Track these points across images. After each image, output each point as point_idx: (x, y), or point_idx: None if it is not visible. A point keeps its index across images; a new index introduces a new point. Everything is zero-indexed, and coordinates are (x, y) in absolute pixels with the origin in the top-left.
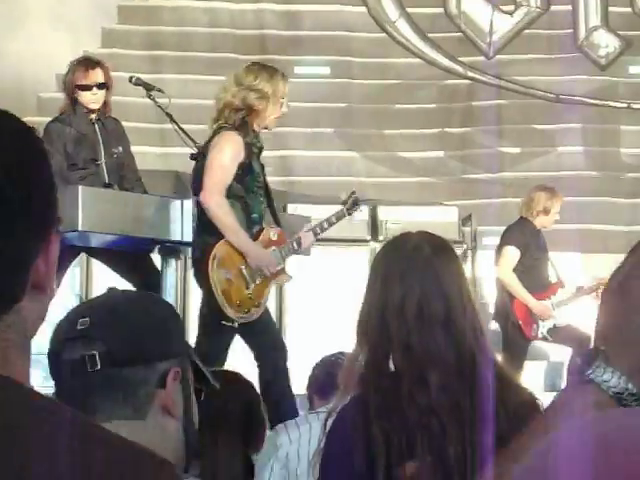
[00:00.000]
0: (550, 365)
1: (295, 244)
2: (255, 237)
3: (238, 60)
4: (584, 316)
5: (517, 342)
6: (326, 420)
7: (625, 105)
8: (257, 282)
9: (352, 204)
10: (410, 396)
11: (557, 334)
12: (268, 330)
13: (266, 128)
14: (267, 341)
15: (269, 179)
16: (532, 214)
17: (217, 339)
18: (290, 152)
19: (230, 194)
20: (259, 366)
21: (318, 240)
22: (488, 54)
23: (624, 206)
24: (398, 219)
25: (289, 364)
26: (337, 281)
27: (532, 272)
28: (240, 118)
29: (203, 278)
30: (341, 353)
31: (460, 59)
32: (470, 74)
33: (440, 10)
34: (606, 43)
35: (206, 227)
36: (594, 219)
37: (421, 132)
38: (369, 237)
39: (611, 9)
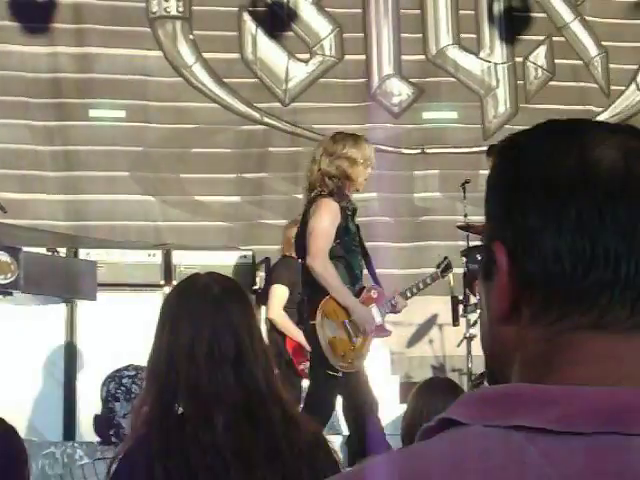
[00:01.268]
0: None
1: (391, 305)
2: (357, 295)
3: (29, 103)
4: None
5: (290, 380)
6: (110, 464)
7: (419, 151)
8: (359, 336)
9: (445, 267)
10: (194, 436)
11: None
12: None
13: (357, 191)
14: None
15: (61, 224)
16: (292, 251)
17: (324, 389)
18: (85, 196)
19: (332, 255)
20: (350, 417)
21: (109, 285)
22: (284, 101)
23: (414, 250)
24: (193, 263)
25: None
26: (129, 326)
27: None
28: (335, 185)
29: (311, 332)
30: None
31: (256, 105)
32: (266, 120)
33: (237, 56)
34: (399, 91)
35: (313, 287)
36: (388, 264)
37: (217, 177)
38: (163, 282)
39: (404, 57)
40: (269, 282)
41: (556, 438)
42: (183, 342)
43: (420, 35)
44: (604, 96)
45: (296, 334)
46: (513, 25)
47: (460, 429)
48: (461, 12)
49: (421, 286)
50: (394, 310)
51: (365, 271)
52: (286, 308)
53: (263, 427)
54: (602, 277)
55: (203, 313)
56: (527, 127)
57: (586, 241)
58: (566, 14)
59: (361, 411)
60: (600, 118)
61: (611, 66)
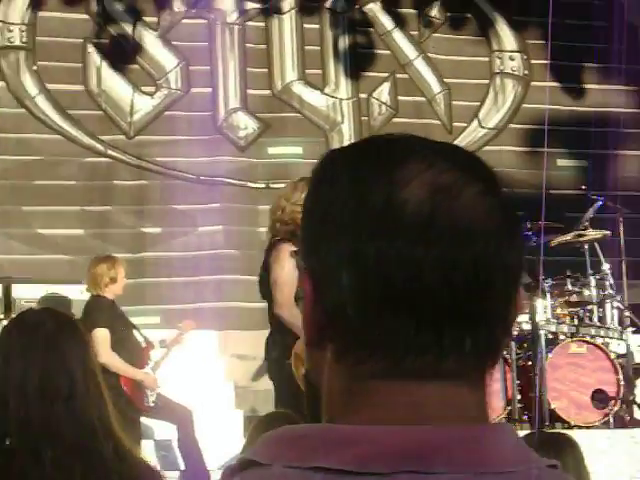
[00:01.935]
0: (157, 444)
1: None
2: None
3: None
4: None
5: (130, 417)
6: None
7: (264, 185)
8: None
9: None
10: (22, 472)
11: (159, 411)
12: None
13: None
14: None
15: None
16: (101, 288)
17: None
18: None
19: (296, 297)
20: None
21: None
22: (128, 133)
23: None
24: (34, 297)
25: None
26: None
27: (125, 345)
28: (290, 231)
29: (282, 374)
30: None
31: (101, 137)
32: (110, 153)
33: (81, 87)
34: (245, 125)
35: (283, 330)
36: (233, 297)
37: (61, 209)
38: (2, 315)
39: (250, 92)
40: (87, 328)
41: (355, 479)
42: (14, 376)
43: (266, 70)
44: (447, 132)
45: (129, 371)
46: (358, 61)
47: (260, 470)
48: (307, 48)
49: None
50: None
51: None
52: (121, 346)
53: (94, 462)
54: (393, 325)
55: (35, 348)
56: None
57: (379, 286)
58: (410, 51)
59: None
60: None
61: (453, 103)
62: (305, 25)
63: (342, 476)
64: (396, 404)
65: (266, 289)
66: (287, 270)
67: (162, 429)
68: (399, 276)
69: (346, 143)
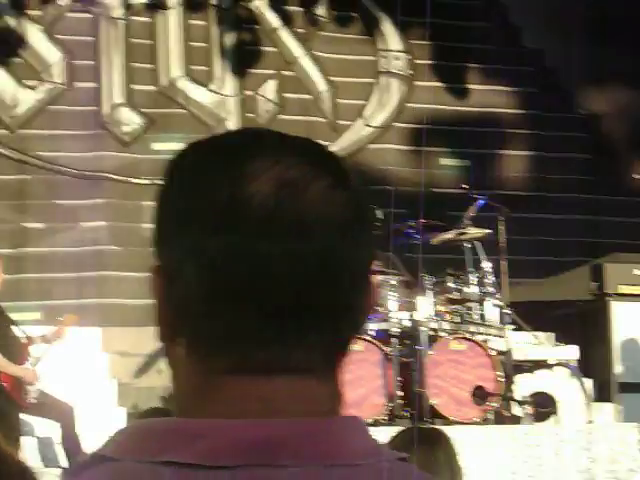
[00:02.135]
0: (39, 441)
1: None
2: None
3: None
4: None
5: (10, 413)
6: None
7: (148, 181)
8: None
9: None
10: None
11: (40, 408)
12: None
13: None
14: None
15: None
16: None
17: None
18: None
19: None
20: None
21: None
22: (11, 128)
23: (144, 280)
24: None
25: None
26: None
27: (3, 341)
28: None
29: None
30: None
31: None
32: None
33: None
34: (129, 120)
35: None
36: (115, 293)
37: None
38: None
39: (135, 87)
40: None
41: (204, 472)
42: None
43: (151, 65)
44: (332, 130)
45: (10, 369)
46: (244, 58)
47: (111, 464)
48: (192, 44)
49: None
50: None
51: None
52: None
53: None
54: (238, 319)
55: None
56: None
57: (222, 281)
58: (296, 49)
59: None
60: None
61: (339, 101)
62: (191, 21)
63: (192, 470)
64: (245, 398)
65: None
66: None
67: (43, 426)
68: (242, 270)
69: None
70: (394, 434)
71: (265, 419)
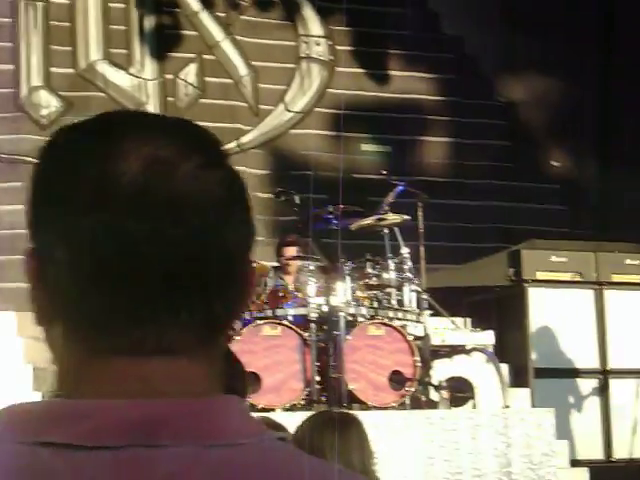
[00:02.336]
0: None
1: None
2: None
3: None
4: None
5: None
6: None
7: None
8: None
9: None
10: None
11: None
12: None
13: None
14: None
15: None
16: None
17: None
18: None
19: None
20: None
21: None
22: None
23: None
24: None
25: None
26: None
27: None
28: None
29: None
30: None
31: None
32: None
33: None
34: (48, 103)
35: None
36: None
37: None
38: None
39: (53, 70)
40: None
41: (85, 453)
42: None
43: (70, 48)
44: (253, 115)
45: None
46: (164, 42)
47: None
48: (111, 27)
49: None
50: None
51: None
52: None
53: None
54: (111, 300)
55: None
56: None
57: (92, 261)
58: (217, 33)
59: None
60: (249, 136)
61: (260, 86)
62: (110, 4)
63: (72, 450)
64: (124, 379)
65: None
66: None
67: None
68: (112, 250)
69: None
70: (306, 417)
71: (146, 399)
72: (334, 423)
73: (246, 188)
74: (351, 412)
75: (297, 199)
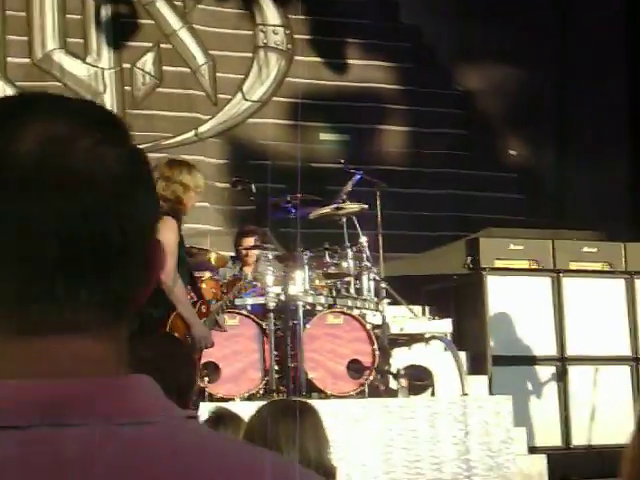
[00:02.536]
0: None
1: (215, 323)
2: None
3: None
4: None
5: None
6: None
7: None
8: (195, 350)
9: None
10: None
11: None
12: None
13: (184, 215)
14: None
15: None
16: None
17: None
18: None
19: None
20: None
21: None
22: None
23: None
24: None
25: None
26: None
27: None
28: (169, 207)
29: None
30: None
31: None
32: None
33: None
34: (3, 93)
35: (153, 301)
36: None
37: None
38: None
39: (9, 60)
40: None
41: None
42: None
43: (26, 38)
44: (211, 104)
45: None
46: (120, 31)
47: None
48: (68, 16)
49: (229, 302)
50: (218, 327)
51: None
52: None
53: None
54: (6, 278)
55: None
56: (135, 132)
57: None
58: (174, 22)
59: None
60: (207, 126)
61: (218, 75)
62: None
63: None
64: (26, 359)
65: None
66: (172, 241)
67: None
68: (6, 229)
69: None
70: (261, 405)
71: (52, 379)
72: (288, 412)
73: (150, 167)
74: (306, 400)
75: (253, 188)
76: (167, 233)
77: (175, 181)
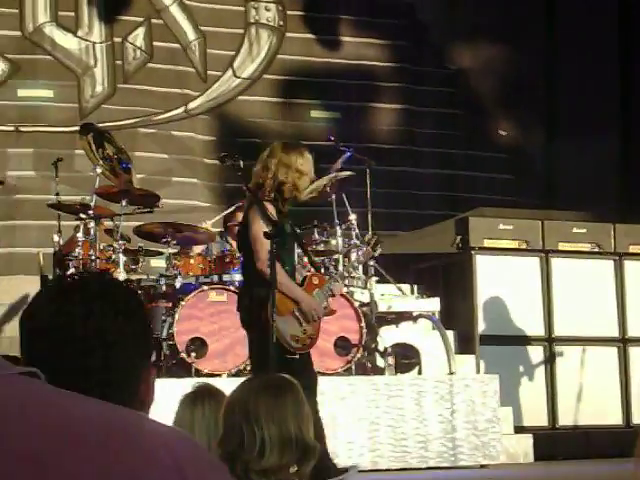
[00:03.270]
0: None
1: (329, 291)
2: (301, 284)
3: None
4: None
5: None
6: None
7: (13, 128)
8: (309, 323)
9: (375, 244)
10: None
11: None
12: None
13: (297, 198)
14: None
15: None
16: None
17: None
18: None
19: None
20: None
21: None
22: None
23: (8, 229)
24: None
25: None
26: None
27: None
28: (287, 191)
29: (252, 321)
30: None
31: None
32: None
33: None
34: None
35: (255, 280)
36: None
37: None
38: None
39: (0, 32)
40: None
41: None
42: None
43: (17, 10)
44: (201, 81)
45: None
46: (112, 5)
47: None
48: None
49: (352, 268)
50: (333, 295)
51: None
52: None
53: None
54: None
55: None
56: (125, 107)
57: None
58: None
59: None
60: (197, 102)
61: (209, 51)
62: None
63: None
64: None
65: (243, 242)
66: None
67: None
68: None
69: (99, 87)
70: (243, 381)
71: None
72: (270, 388)
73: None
74: (287, 376)
75: (242, 164)
76: (257, 223)
77: (294, 168)
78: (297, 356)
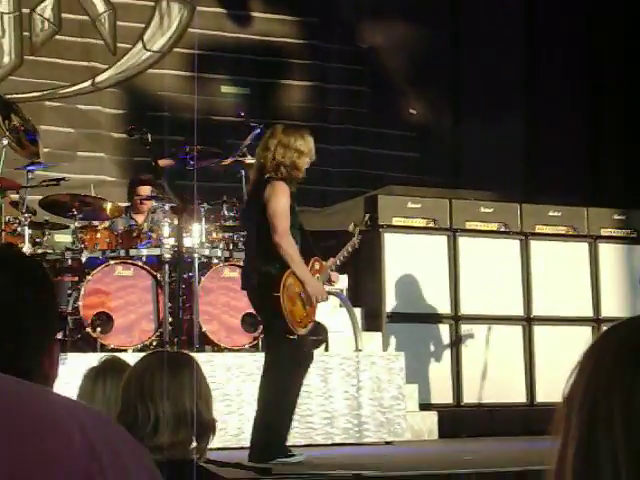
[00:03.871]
0: None
1: (328, 277)
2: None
3: None
4: None
5: None
6: None
7: None
8: (311, 305)
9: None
10: None
11: None
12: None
13: (298, 177)
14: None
15: None
16: None
17: (285, 350)
18: None
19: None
20: None
21: None
22: None
23: None
24: None
25: None
26: None
27: None
28: (287, 172)
29: (268, 300)
30: None
31: None
32: None
33: None
34: None
35: (273, 262)
36: None
37: None
38: None
39: None
40: None
41: None
42: None
43: None
44: (110, 53)
45: None
46: None
47: None
48: None
49: (344, 258)
50: (330, 283)
51: None
52: None
53: None
54: None
55: None
56: (32, 79)
57: None
58: None
59: None
60: (105, 75)
61: (118, 24)
62: None
63: None
64: None
65: (251, 220)
66: (285, 205)
67: None
68: None
69: (6, 58)
70: (141, 356)
71: None
72: (170, 362)
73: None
74: (187, 352)
75: (149, 137)
76: (280, 197)
77: (291, 148)
78: (296, 336)
